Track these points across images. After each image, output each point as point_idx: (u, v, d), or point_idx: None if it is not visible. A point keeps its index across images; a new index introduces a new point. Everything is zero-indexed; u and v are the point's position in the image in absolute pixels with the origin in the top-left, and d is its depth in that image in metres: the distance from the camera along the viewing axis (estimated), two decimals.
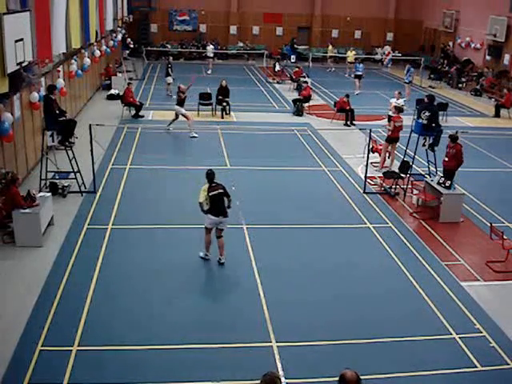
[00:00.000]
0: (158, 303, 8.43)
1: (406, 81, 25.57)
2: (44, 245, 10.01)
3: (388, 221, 11.81)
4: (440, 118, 18.60)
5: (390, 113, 16.92)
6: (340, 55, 35.36)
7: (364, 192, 13.32)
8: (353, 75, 28.28)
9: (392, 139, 14.78)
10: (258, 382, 4.58)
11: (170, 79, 23.33)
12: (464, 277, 9.61)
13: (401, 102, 17.96)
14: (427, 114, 13.05)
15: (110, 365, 7.01)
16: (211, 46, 32.68)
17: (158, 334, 7.67)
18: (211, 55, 31.91)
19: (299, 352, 7.43)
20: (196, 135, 17.41)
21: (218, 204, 9.29)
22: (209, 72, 30.76)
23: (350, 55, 31.83)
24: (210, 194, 9.22)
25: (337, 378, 4.52)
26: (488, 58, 30.11)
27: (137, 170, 14.28)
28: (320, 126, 19.38)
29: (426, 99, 14.28)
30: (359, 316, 8.34)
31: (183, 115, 17.72)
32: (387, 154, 15.20)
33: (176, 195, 12.75)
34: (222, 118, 20.15)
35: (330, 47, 34.85)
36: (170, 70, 23.29)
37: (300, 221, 11.54)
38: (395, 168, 14.33)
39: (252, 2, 37.38)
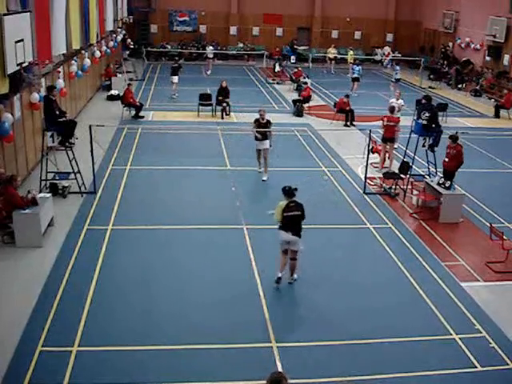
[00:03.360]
0: (158, 303, 8.43)
1: (393, 79, 25.81)
2: (44, 245, 10.01)
3: (388, 221, 11.82)
4: (440, 118, 18.61)
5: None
6: (339, 56, 35.39)
7: (364, 192, 13.32)
8: (349, 76, 28.46)
9: (384, 139, 14.83)
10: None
11: (175, 79, 23.26)
12: (464, 277, 9.62)
13: (401, 102, 17.97)
14: (427, 114, 13.06)
15: (110, 365, 7.01)
16: (211, 47, 32.70)
17: (158, 334, 7.67)
18: (211, 56, 31.95)
19: (299, 352, 7.43)
20: None
21: (291, 224, 8.72)
22: (208, 73, 30.80)
23: (350, 56, 31.82)
24: (285, 214, 8.68)
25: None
26: (488, 58, 30.13)
27: (137, 171, 14.29)
28: (320, 127, 19.40)
29: (423, 100, 14.30)
30: (359, 316, 8.34)
31: None
32: (387, 155, 15.23)
33: (176, 196, 12.75)
34: (222, 118, 20.15)
35: (331, 49, 34.13)
36: (179, 71, 23.23)
37: None
38: (395, 169, 14.34)
39: (252, 3, 37.39)
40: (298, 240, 8.78)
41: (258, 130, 13.42)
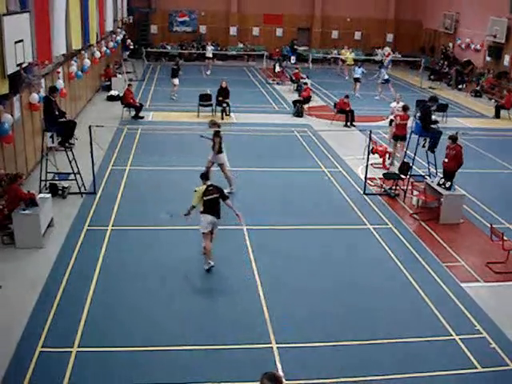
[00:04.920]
0: (158, 304, 8.43)
1: (382, 81, 25.77)
2: (44, 246, 10.00)
3: (388, 222, 11.81)
4: (440, 118, 18.59)
5: (391, 117, 17.00)
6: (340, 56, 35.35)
7: (364, 193, 13.31)
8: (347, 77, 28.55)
9: (396, 137, 15.07)
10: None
11: (176, 81, 23.25)
12: (464, 278, 9.61)
13: (401, 105, 17.89)
14: (418, 114, 13.12)
15: (110, 366, 7.01)
16: (211, 47, 32.69)
17: (158, 334, 7.66)
18: (211, 56, 31.95)
19: (299, 353, 7.42)
20: None
21: (212, 206, 9.28)
22: (208, 73, 30.81)
23: (349, 57, 31.70)
24: (205, 199, 9.23)
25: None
26: (488, 59, 30.12)
27: (137, 171, 14.28)
28: (320, 127, 19.39)
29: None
30: (359, 317, 8.34)
31: None
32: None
33: (176, 196, 12.72)
34: (222, 119, 20.12)
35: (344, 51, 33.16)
36: (178, 71, 23.21)
37: (300, 221, 11.53)
38: (395, 169, 14.33)
39: (252, 3, 37.38)
40: (217, 221, 9.33)
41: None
